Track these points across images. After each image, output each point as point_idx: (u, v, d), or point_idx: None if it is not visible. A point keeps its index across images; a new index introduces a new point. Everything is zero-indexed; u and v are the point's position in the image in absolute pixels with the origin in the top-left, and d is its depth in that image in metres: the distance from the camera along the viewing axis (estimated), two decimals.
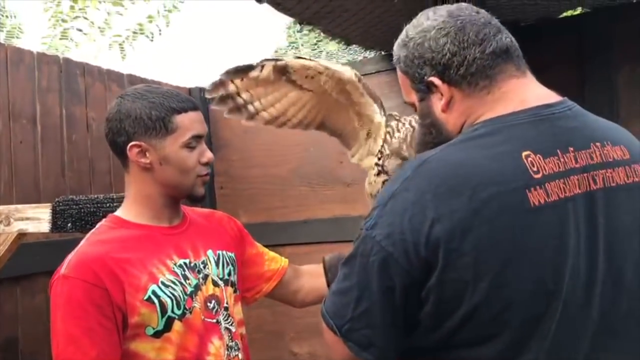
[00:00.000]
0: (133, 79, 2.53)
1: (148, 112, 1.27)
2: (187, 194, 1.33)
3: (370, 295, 0.93)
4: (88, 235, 1.30)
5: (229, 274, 1.39)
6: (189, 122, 1.29)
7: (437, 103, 1.02)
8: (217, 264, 1.37)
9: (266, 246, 1.63)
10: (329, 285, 1.43)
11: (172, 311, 1.23)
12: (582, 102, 1.04)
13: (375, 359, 0.96)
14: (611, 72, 2.21)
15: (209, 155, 1.33)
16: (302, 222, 2.70)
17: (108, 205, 1.59)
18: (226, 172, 2.89)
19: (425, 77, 1.01)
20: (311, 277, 1.56)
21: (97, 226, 1.33)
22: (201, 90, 2.91)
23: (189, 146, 1.29)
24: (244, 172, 2.86)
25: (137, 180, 1.31)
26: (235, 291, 1.40)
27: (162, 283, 1.23)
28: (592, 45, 2.24)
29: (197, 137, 1.30)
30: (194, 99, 1.37)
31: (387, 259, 0.90)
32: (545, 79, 1.05)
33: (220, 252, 1.39)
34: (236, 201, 2.85)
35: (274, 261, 1.57)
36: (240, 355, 1.34)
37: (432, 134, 1.05)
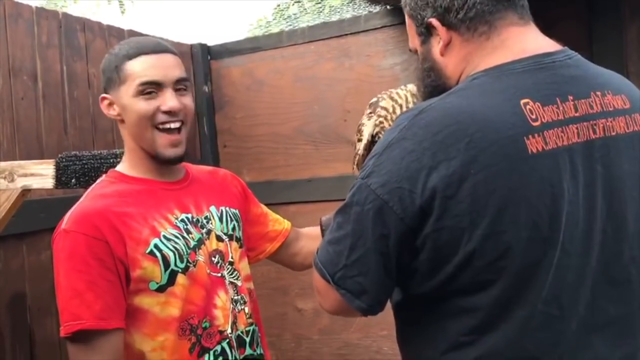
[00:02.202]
0: (134, 35, 2.48)
1: (108, 64, 1.27)
2: (153, 152, 1.26)
3: (365, 243, 0.93)
4: (88, 190, 1.29)
5: (233, 229, 1.38)
6: (140, 68, 1.22)
7: (436, 46, 1.01)
8: (220, 219, 1.35)
9: (270, 205, 1.63)
10: None
11: (175, 265, 1.22)
12: (591, 58, 1.02)
13: (367, 307, 0.97)
14: (622, 28, 2.16)
15: (170, 103, 1.22)
16: (306, 180, 2.69)
17: (112, 160, 1.58)
18: (229, 130, 2.87)
19: (426, 19, 1.01)
20: (309, 239, 1.55)
21: (97, 181, 1.32)
22: (202, 46, 2.87)
23: (143, 94, 1.22)
24: (248, 130, 2.83)
25: (122, 134, 1.32)
26: (240, 246, 1.39)
27: (164, 237, 1.22)
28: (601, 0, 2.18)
29: (150, 84, 1.22)
30: (164, 43, 1.29)
31: (383, 207, 0.90)
32: (554, 35, 1.03)
33: (223, 208, 1.38)
34: (240, 160, 2.83)
35: (278, 222, 1.56)
36: (246, 309, 1.34)
37: (431, 77, 1.04)
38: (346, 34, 2.61)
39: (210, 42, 2.94)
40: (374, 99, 1.30)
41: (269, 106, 2.78)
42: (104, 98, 1.28)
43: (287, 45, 2.74)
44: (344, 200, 1.00)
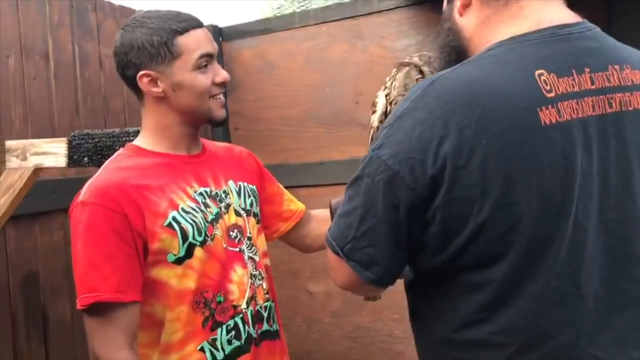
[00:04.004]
0: None
1: (149, 39, 1.22)
2: (207, 118, 1.29)
3: (375, 214, 0.92)
4: (106, 163, 1.29)
5: (251, 205, 1.38)
6: (194, 42, 1.24)
7: (457, 6, 1.02)
8: (238, 194, 1.36)
9: None
10: None
11: (193, 237, 1.22)
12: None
13: (377, 278, 0.96)
14: None
15: (223, 74, 1.28)
16: (318, 163, 2.68)
17: (124, 139, 1.57)
18: (241, 113, 2.85)
19: None
20: (319, 222, 1.54)
21: (114, 155, 1.31)
22: (214, 27, 2.85)
23: (200, 67, 1.24)
24: (259, 112, 2.82)
25: (153, 111, 1.29)
26: (258, 222, 1.39)
27: (182, 210, 1.22)
28: None
29: (207, 56, 1.25)
30: (197, 17, 1.30)
31: (393, 178, 0.90)
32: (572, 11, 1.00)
33: (241, 183, 1.38)
34: (251, 142, 2.81)
35: (293, 202, 1.56)
36: (264, 285, 1.34)
37: (449, 37, 1.05)
38: (359, 15, 2.57)
39: (222, 24, 2.92)
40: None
41: (280, 88, 2.76)
42: (146, 74, 1.23)
43: (299, 26, 2.70)
44: None
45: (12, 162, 1.67)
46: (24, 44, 2.03)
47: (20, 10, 2.03)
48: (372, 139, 1.31)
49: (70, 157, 1.62)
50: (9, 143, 1.70)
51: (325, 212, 1.50)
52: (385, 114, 1.27)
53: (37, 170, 1.67)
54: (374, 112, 1.29)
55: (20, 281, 1.97)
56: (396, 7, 2.49)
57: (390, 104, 1.26)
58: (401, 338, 2.51)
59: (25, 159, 1.65)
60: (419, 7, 2.44)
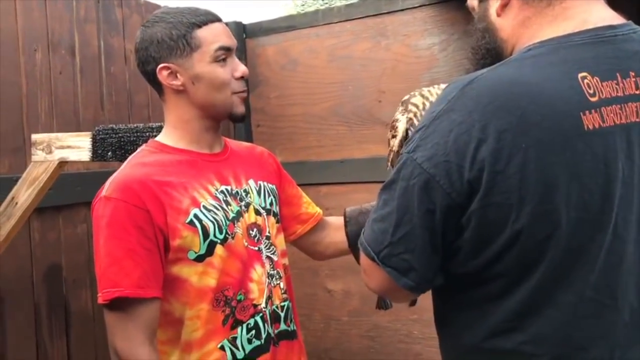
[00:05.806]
0: None
1: (168, 33, 1.24)
2: (227, 113, 1.30)
3: (411, 219, 0.89)
4: (129, 158, 1.29)
5: (271, 204, 1.38)
6: (212, 35, 1.25)
7: (494, 6, 0.98)
8: (258, 193, 1.36)
9: (302, 185, 1.61)
10: (348, 237, 1.41)
11: (214, 235, 1.22)
12: None
13: (415, 284, 0.93)
14: None
15: (242, 69, 1.29)
16: (339, 161, 2.67)
17: (147, 134, 1.58)
18: (263, 110, 2.86)
19: None
20: (332, 230, 1.53)
21: (137, 150, 1.32)
22: (238, 24, 2.86)
23: (218, 60, 1.25)
24: (282, 110, 2.82)
25: (174, 105, 1.29)
26: (277, 221, 1.39)
27: (204, 207, 1.23)
28: None
29: (225, 49, 1.26)
30: (215, 12, 1.31)
31: (429, 182, 0.87)
32: None
33: (261, 182, 1.38)
34: (273, 139, 2.82)
35: (311, 205, 1.55)
36: (281, 284, 1.34)
37: (485, 39, 1.01)
38: (383, 13, 2.55)
39: (246, 21, 2.93)
40: (407, 97, 1.26)
41: (303, 86, 2.76)
42: (165, 67, 1.25)
43: (323, 24, 2.70)
44: (376, 181, 0.97)
45: (38, 155, 1.69)
46: (51, 39, 2.06)
47: (48, 6, 2.06)
48: (391, 160, 1.28)
49: (94, 152, 1.64)
50: (35, 136, 1.72)
51: (339, 220, 1.48)
52: (407, 138, 1.24)
53: (62, 163, 1.70)
54: (394, 136, 1.24)
55: (43, 273, 2.00)
56: (420, 5, 2.46)
57: (408, 130, 1.21)
58: (420, 338, 2.49)
59: (50, 152, 1.67)
60: (443, 5, 2.42)
